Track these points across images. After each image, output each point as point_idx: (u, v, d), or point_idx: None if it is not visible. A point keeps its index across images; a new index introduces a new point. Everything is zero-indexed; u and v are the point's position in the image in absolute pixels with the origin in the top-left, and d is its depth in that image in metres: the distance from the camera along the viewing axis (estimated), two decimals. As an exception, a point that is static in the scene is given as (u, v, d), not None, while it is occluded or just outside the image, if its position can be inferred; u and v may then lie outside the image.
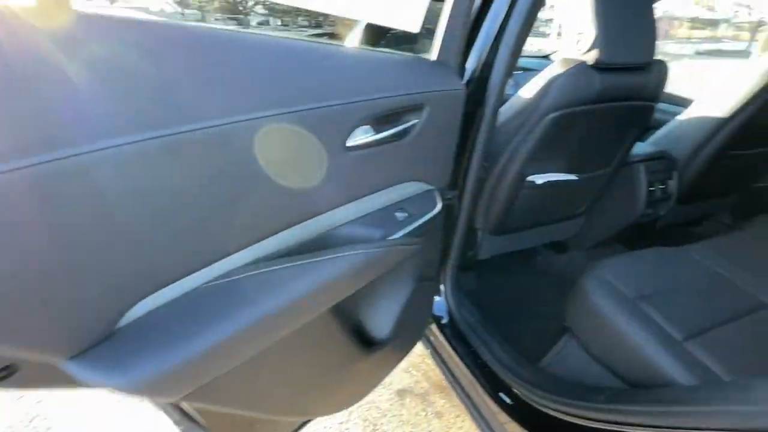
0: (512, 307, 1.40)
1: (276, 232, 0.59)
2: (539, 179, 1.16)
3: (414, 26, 0.71)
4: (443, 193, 0.86)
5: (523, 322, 1.32)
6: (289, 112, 0.52)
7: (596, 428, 0.75)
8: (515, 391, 0.95)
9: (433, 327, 1.17)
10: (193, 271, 0.49)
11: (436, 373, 1.45)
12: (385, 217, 0.74)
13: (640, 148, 1.43)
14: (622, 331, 0.89)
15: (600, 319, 0.94)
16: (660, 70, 1.08)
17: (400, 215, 0.76)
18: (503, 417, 0.95)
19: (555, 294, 1.49)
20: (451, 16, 0.74)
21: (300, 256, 0.59)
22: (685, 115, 1.44)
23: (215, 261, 0.52)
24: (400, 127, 0.69)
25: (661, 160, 1.41)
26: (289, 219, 0.60)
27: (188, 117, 0.44)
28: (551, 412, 0.85)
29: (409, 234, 0.75)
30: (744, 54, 9.18)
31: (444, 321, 1.18)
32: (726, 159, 1.41)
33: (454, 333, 1.15)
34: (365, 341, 0.85)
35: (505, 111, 1.12)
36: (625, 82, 1.04)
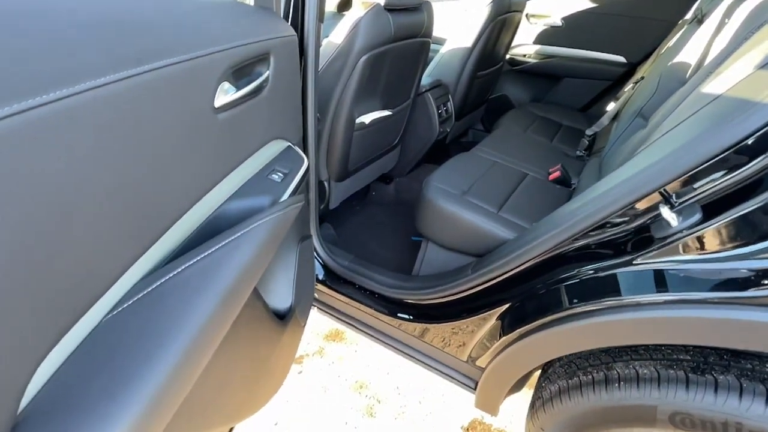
0: (373, 239, 1.56)
1: (164, 230, 0.48)
2: (367, 119, 1.28)
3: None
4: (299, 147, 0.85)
5: (387, 249, 1.50)
6: (142, 72, 0.41)
7: (475, 293, 0.98)
8: (408, 301, 1.11)
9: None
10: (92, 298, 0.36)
11: (319, 326, 1.51)
12: (264, 182, 0.69)
13: (423, 80, 1.72)
14: (461, 219, 1.15)
15: (444, 217, 1.18)
16: (428, 9, 1.31)
17: (276, 177, 0.72)
18: (407, 327, 1.11)
19: (400, 216, 1.74)
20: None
21: (205, 245, 0.50)
22: (445, 48, 1.80)
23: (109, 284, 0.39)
24: (258, 81, 0.63)
25: (439, 87, 1.75)
26: (174, 211, 0.49)
27: None
28: (439, 300, 1.05)
29: (292, 194, 0.73)
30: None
31: (320, 276, 1.22)
32: (477, 79, 1.88)
33: (335, 280, 1.21)
34: (277, 316, 0.82)
35: (321, 57, 1.14)
36: (408, 22, 1.21)
